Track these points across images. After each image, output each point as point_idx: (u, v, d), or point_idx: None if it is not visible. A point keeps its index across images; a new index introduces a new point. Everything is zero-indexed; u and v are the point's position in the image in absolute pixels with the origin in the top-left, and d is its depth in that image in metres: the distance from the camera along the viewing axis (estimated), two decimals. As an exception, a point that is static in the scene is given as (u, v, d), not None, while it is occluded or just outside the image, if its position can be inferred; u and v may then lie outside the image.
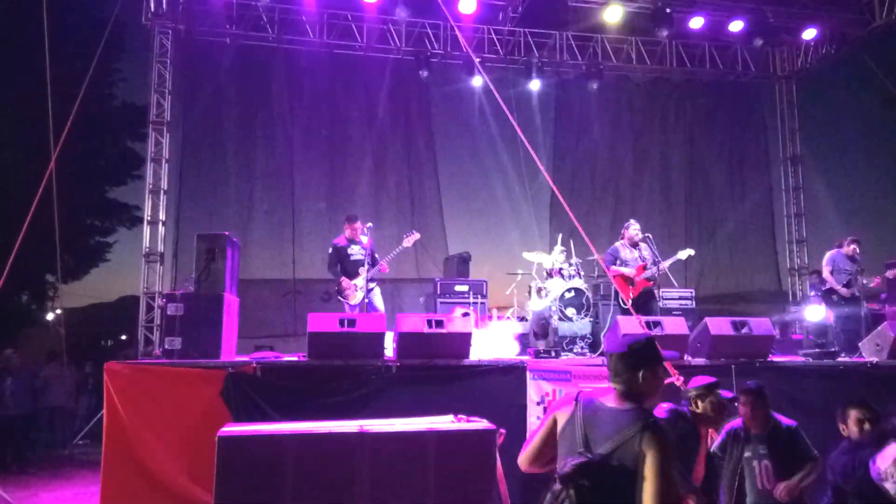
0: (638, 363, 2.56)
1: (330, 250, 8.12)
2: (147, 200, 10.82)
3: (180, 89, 11.20)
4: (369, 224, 8.11)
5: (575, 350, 7.90)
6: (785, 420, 4.55)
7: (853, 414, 4.16)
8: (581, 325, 8.89)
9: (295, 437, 4.17)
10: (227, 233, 6.76)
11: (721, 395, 3.95)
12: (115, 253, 19.99)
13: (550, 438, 2.68)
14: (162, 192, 10.84)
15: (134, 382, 5.66)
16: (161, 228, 10.77)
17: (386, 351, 6.24)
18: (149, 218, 10.79)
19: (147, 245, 10.70)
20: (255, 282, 10.69)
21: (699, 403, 3.89)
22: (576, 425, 2.54)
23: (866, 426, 4.07)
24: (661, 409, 3.79)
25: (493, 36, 12.19)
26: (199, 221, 10.62)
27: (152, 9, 10.83)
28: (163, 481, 5.48)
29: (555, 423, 2.67)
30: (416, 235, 8.17)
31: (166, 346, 6.10)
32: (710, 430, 4.04)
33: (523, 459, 2.80)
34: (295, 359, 6.23)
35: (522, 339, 8.28)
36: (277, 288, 11.08)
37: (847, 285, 8.60)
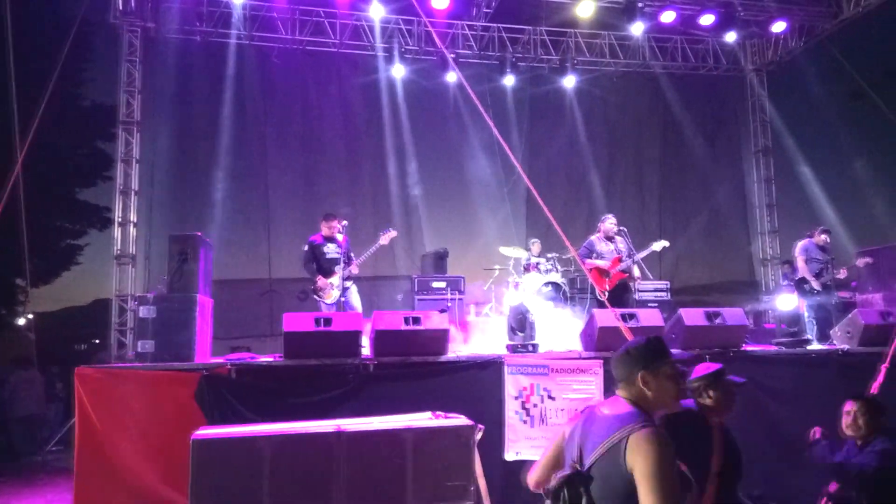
0: (636, 363, 2.39)
1: (305, 248, 8.05)
2: (117, 201, 10.66)
3: (150, 88, 11.04)
4: (344, 222, 8.05)
5: (553, 344, 7.92)
6: None
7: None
8: (558, 318, 8.93)
9: (271, 437, 4.14)
10: (199, 233, 6.66)
11: (730, 381, 3.57)
12: (87, 255, 19.66)
13: (559, 456, 2.54)
14: (133, 192, 10.68)
15: (106, 387, 5.56)
16: (132, 230, 10.62)
17: (363, 349, 6.21)
18: (119, 219, 10.63)
19: (118, 247, 10.54)
20: (229, 282, 10.57)
21: (709, 394, 3.48)
22: (575, 437, 2.42)
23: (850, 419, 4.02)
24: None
25: (467, 31, 12.18)
26: (171, 222, 10.49)
27: (120, 7, 10.65)
28: (137, 486, 5.40)
29: (562, 439, 2.54)
30: (393, 233, 8.13)
31: (139, 350, 6.00)
32: (721, 422, 3.53)
33: (532, 480, 2.64)
34: (270, 359, 6.16)
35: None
36: (253, 288, 10.98)
37: (819, 274, 8.74)
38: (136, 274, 10.52)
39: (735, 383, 3.55)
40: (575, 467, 2.31)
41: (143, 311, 6.04)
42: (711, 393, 3.45)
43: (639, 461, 2.11)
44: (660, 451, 2.12)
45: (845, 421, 3.98)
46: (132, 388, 5.56)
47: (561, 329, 8.50)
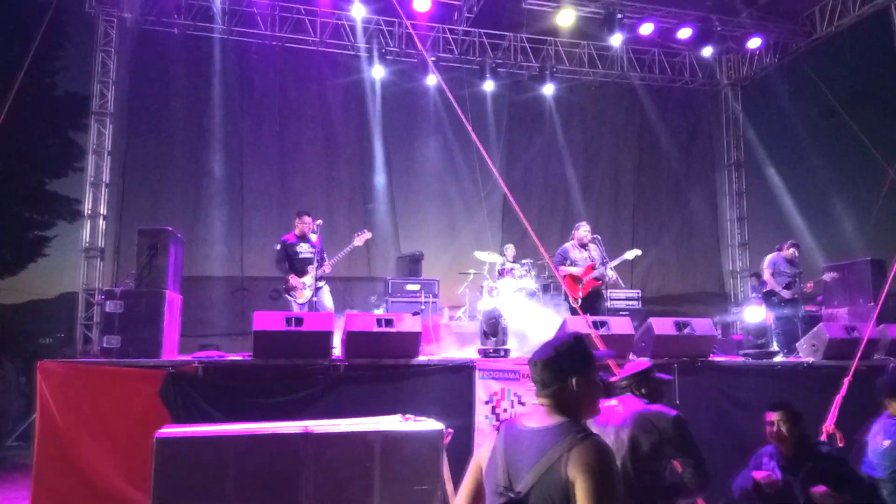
0: (568, 367, 2.09)
1: (278, 247, 7.96)
2: (88, 193, 10.47)
3: (125, 80, 10.86)
4: (319, 221, 7.99)
5: (525, 349, 7.95)
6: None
7: None
8: (531, 324, 8.97)
9: (236, 438, 4.08)
10: (170, 228, 6.57)
11: (658, 379, 3.61)
12: (55, 247, 19.22)
13: (477, 487, 2.22)
14: (104, 185, 10.49)
15: (69, 382, 5.45)
16: (102, 223, 10.43)
17: (334, 350, 6.17)
18: (89, 212, 10.43)
19: (87, 240, 10.35)
20: (201, 279, 10.44)
21: (641, 391, 3.51)
22: (497, 460, 2.09)
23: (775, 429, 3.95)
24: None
25: (448, 35, 12.20)
26: (142, 216, 10.31)
27: (96, -5, 10.48)
28: (98, 484, 5.29)
29: (478, 467, 2.22)
30: (368, 234, 8.10)
31: (105, 345, 5.90)
32: None
33: None
34: (239, 358, 6.09)
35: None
36: (224, 286, 10.84)
37: (787, 287, 8.90)
38: (104, 268, 10.34)
39: (663, 381, 3.63)
40: (507, 495, 2.00)
41: (110, 306, 5.94)
42: (642, 390, 3.52)
43: (582, 476, 1.86)
44: (605, 463, 1.90)
45: (769, 430, 3.96)
46: (96, 384, 5.46)
47: (533, 335, 8.55)
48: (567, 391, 2.08)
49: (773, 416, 3.93)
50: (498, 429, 2.21)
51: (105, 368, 5.58)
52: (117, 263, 10.34)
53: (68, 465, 5.28)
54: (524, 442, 2.04)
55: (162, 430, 4.09)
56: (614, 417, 3.36)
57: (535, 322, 8.96)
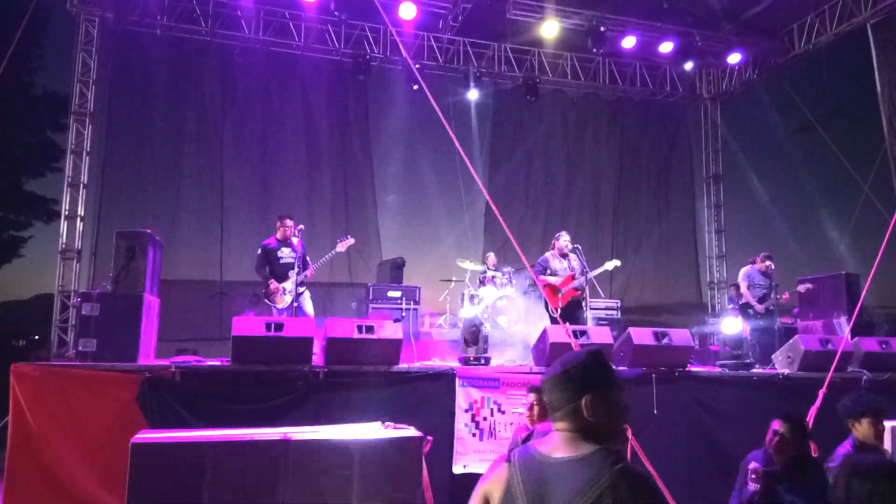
0: (580, 387, 1.86)
1: (259, 251, 7.89)
2: (66, 194, 10.32)
3: (106, 80, 10.73)
4: (301, 227, 7.95)
5: (505, 357, 7.97)
6: None
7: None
8: (512, 332, 8.99)
9: (214, 444, 4.05)
10: (149, 230, 6.50)
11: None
12: (31, 248, 18.94)
13: None
14: (82, 185, 10.35)
15: (43, 385, 5.37)
16: (80, 224, 10.28)
17: (314, 356, 6.14)
18: (67, 213, 10.28)
19: (64, 241, 10.19)
20: (179, 283, 10.32)
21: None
22: (515, 495, 1.82)
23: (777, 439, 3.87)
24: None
25: (433, 43, 12.23)
26: (120, 218, 10.17)
27: (78, -6, 10.37)
28: (72, 489, 5.21)
29: (486, 500, 1.92)
30: (350, 241, 8.05)
31: (80, 348, 5.81)
32: None
33: None
34: (217, 363, 6.04)
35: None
36: (203, 290, 10.72)
37: (762, 300, 9.02)
38: (80, 270, 10.18)
39: None
40: None
41: (86, 309, 5.85)
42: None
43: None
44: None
45: (772, 440, 3.88)
46: (71, 388, 5.38)
47: (514, 343, 8.58)
48: (579, 413, 1.84)
49: (781, 427, 3.85)
50: (508, 459, 1.92)
51: (80, 372, 5.50)
52: (94, 265, 10.19)
53: (42, 470, 5.20)
54: (551, 475, 1.78)
55: (138, 436, 4.05)
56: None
57: (516, 331, 9.01)
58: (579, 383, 1.87)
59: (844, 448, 4.04)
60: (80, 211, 10.30)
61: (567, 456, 1.79)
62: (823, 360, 6.70)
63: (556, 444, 1.84)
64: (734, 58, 12.57)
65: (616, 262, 8.66)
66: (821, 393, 5.25)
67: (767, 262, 9.16)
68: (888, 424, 4.25)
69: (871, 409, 4.01)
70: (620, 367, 6.73)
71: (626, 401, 1.92)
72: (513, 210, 12.89)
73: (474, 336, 7.45)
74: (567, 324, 7.12)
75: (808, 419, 4.97)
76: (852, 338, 7.39)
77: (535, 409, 4.21)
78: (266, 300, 7.70)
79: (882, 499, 2.28)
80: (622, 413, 1.89)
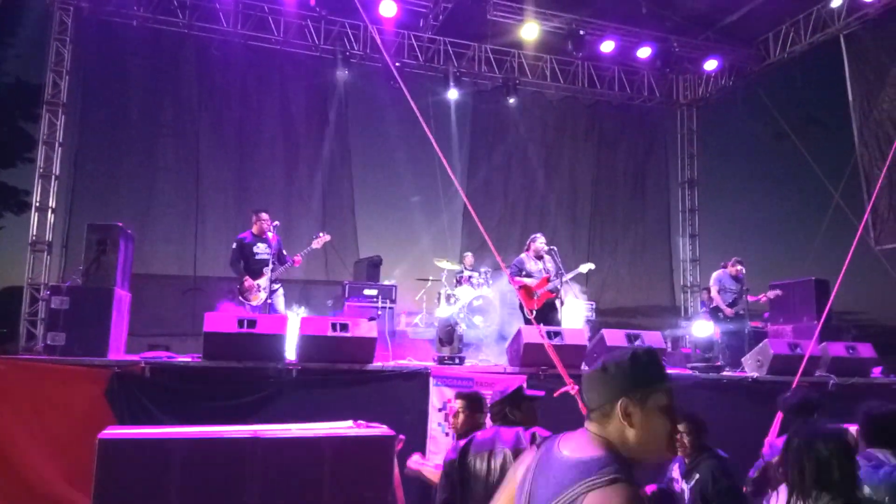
0: (619, 386, 1.65)
1: (234, 245, 7.76)
2: (37, 185, 10.12)
3: (79, 70, 10.54)
4: (276, 222, 7.88)
5: (480, 357, 7.99)
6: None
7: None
8: (487, 332, 9.03)
9: (183, 441, 4.00)
10: (120, 224, 6.41)
11: (531, 396, 3.52)
12: (1, 240, 18.57)
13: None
14: (54, 177, 10.16)
15: (9, 379, 5.28)
16: (51, 216, 10.10)
17: (287, 354, 6.10)
18: (38, 204, 10.09)
19: (34, 233, 9.99)
20: (152, 277, 10.18)
21: (515, 415, 3.41)
22: (525, 484, 1.73)
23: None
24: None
25: (413, 42, 12.21)
26: (93, 211, 9.99)
27: (53, -17, 10.18)
28: (38, 486, 5.14)
29: (512, 486, 1.85)
30: (326, 237, 7.98)
31: (49, 342, 5.73)
32: None
33: None
34: (188, 359, 5.97)
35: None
36: (176, 285, 10.59)
37: (732, 304, 9.15)
38: (51, 262, 10.00)
39: (536, 398, 3.55)
40: None
41: (56, 302, 5.78)
42: (517, 413, 3.42)
43: None
44: None
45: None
46: (38, 382, 5.30)
47: (489, 343, 8.61)
48: (613, 417, 1.64)
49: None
50: (539, 445, 1.81)
51: (48, 366, 5.43)
52: (65, 258, 10.02)
53: (5, 464, 5.11)
54: (552, 472, 1.65)
55: (105, 431, 3.99)
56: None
57: (491, 331, 9.04)
58: (617, 383, 1.66)
59: (781, 440, 4.18)
60: (52, 203, 10.12)
61: (573, 456, 1.63)
62: (792, 364, 6.83)
63: (576, 442, 1.68)
64: (711, 64, 12.73)
65: (590, 265, 8.73)
66: (788, 396, 5.33)
67: (738, 267, 9.29)
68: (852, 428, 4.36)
69: (815, 405, 4.18)
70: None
71: (675, 412, 1.69)
72: (491, 210, 12.93)
73: (449, 336, 7.45)
74: (541, 325, 7.15)
75: (776, 421, 5.07)
76: (820, 343, 7.53)
77: (460, 416, 3.84)
78: (240, 297, 7.58)
79: (839, 461, 2.53)
80: (667, 426, 1.65)
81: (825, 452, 2.56)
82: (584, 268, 8.61)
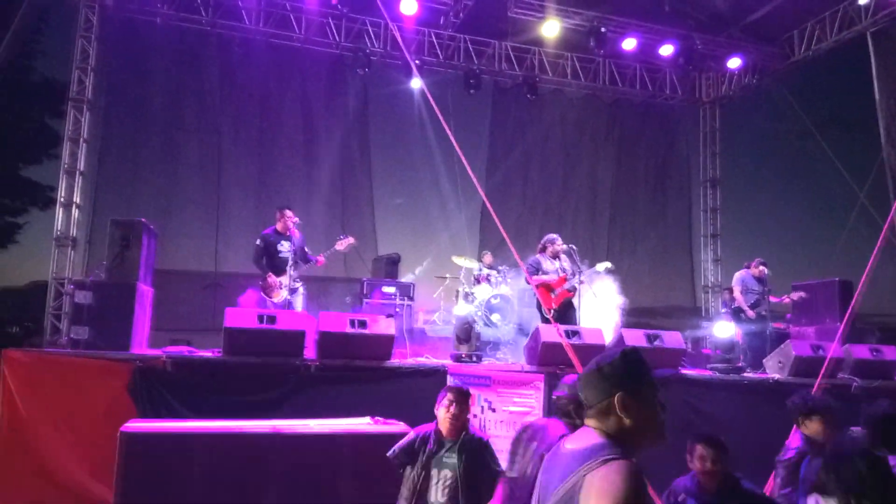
0: (613, 383, 1.84)
1: (258, 242, 7.74)
2: (62, 181, 10.28)
3: (104, 67, 10.69)
4: (297, 220, 7.91)
5: (498, 356, 7.99)
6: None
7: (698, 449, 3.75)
8: (505, 331, 9.02)
9: (204, 435, 4.06)
10: (143, 219, 6.49)
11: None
12: (26, 235, 18.89)
13: None
14: (78, 173, 10.31)
15: (34, 372, 5.38)
16: (75, 212, 10.24)
17: (307, 350, 6.14)
18: (63, 200, 10.25)
19: (59, 228, 10.15)
20: (174, 272, 10.28)
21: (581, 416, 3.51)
22: (538, 487, 1.90)
23: (708, 465, 3.69)
24: None
25: (434, 39, 12.20)
26: (116, 206, 10.14)
27: (79, -19, 10.32)
28: (62, 478, 5.23)
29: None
30: (350, 240, 7.90)
31: (73, 336, 5.83)
32: None
33: None
34: (209, 355, 6.04)
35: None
36: (198, 280, 10.71)
37: (755, 305, 9.04)
38: (75, 257, 10.15)
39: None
40: None
41: (80, 297, 5.87)
42: (581, 415, 3.36)
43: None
44: (624, 490, 1.59)
45: (699, 466, 3.70)
46: (63, 376, 5.39)
47: (506, 342, 8.60)
48: (611, 411, 1.82)
49: (705, 451, 3.68)
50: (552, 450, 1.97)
51: (72, 360, 5.52)
52: (89, 253, 10.16)
53: (30, 456, 5.21)
54: (558, 465, 1.82)
55: (128, 425, 4.05)
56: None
57: (509, 329, 9.03)
58: (611, 381, 1.85)
59: (795, 442, 4.12)
60: (76, 198, 10.27)
61: (575, 448, 1.80)
62: (815, 366, 6.74)
63: (578, 438, 1.86)
64: (734, 62, 12.58)
65: (607, 264, 8.59)
66: (810, 399, 5.26)
67: (762, 268, 9.18)
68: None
69: (822, 409, 4.07)
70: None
71: (661, 400, 1.89)
72: (509, 208, 12.90)
73: (467, 334, 7.44)
74: (559, 324, 7.12)
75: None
76: (843, 345, 7.42)
77: (455, 408, 3.91)
78: (262, 293, 7.62)
79: (868, 482, 2.43)
80: (657, 413, 1.86)
81: (867, 469, 2.49)
82: (601, 267, 8.51)
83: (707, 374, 7.52)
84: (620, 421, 1.81)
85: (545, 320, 7.62)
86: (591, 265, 8.53)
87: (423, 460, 3.74)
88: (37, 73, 17.63)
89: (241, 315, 5.88)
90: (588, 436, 1.83)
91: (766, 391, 7.11)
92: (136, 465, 3.86)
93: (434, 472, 3.72)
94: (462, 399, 3.92)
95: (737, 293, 9.19)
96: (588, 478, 1.65)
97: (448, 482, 3.69)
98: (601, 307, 8.76)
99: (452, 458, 3.71)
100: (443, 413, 3.89)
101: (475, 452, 3.78)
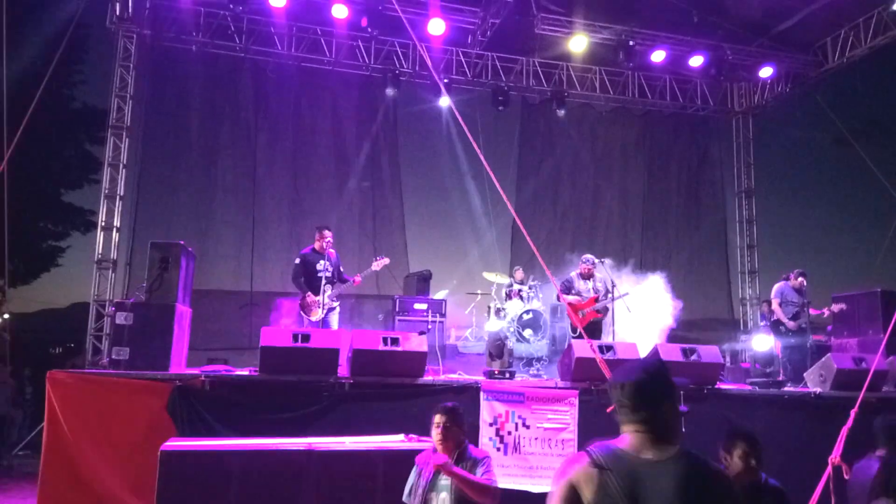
0: (661, 393, 2.08)
1: (297, 261, 7.89)
2: (102, 205, 10.60)
3: (142, 95, 11.03)
4: (331, 240, 8.03)
5: (531, 372, 7.95)
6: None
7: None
8: (538, 346, 8.98)
9: (241, 453, 4.12)
10: (181, 242, 6.64)
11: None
12: (68, 258, 19.46)
13: None
14: (118, 197, 10.63)
15: (77, 392, 5.51)
16: (116, 235, 10.55)
17: (341, 368, 6.19)
18: (103, 223, 10.56)
19: (100, 251, 10.46)
20: (211, 293, 10.51)
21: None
22: (612, 494, 1.92)
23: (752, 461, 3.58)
24: None
25: (462, 58, 12.32)
26: (155, 229, 10.40)
27: (117, 12, 10.69)
28: (103, 495, 5.33)
29: (574, 492, 1.98)
30: (386, 260, 8.04)
31: (114, 356, 5.96)
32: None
33: None
34: (246, 373, 6.13)
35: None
36: (234, 300, 10.91)
37: (794, 317, 8.86)
38: (116, 279, 10.43)
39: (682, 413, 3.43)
40: None
41: (120, 318, 6.01)
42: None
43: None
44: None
45: (738, 465, 3.59)
46: (104, 396, 5.51)
47: (539, 358, 8.55)
48: (660, 418, 2.01)
49: (749, 448, 3.59)
50: (590, 456, 2.00)
51: (113, 380, 5.64)
52: (129, 275, 10.42)
53: (74, 474, 5.32)
54: (648, 476, 1.92)
55: (167, 443, 4.14)
56: None
57: (541, 345, 8.98)
58: (662, 390, 2.07)
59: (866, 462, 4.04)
60: (116, 222, 10.57)
61: (657, 457, 1.94)
62: (857, 378, 6.55)
63: (639, 445, 1.99)
64: (766, 71, 12.43)
65: (628, 293, 8.38)
66: (852, 413, 5.13)
67: (801, 279, 9.00)
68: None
69: None
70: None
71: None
72: (540, 223, 12.88)
73: (499, 350, 7.42)
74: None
75: (840, 439, 4.87)
76: (887, 356, 7.22)
77: (445, 428, 3.83)
78: (301, 311, 7.74)
79: None
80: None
81: None
82: (624, 295, 8.27)
83: (746, 388, 7.37)
84: (665, 425, 2.08)
85: (578, 336, 7.59)
86: (623, 279, 8.47)
87: (422, 494, 3.71)
88: (77, 101, 18.23)
89: (277, 334, 5.97)
90: (654, 443, 2.02)
91: (808, 405, 6.94)
92: (176, 482, 3.93)
93: (432, 495, 3.70)
94: (446, 419, 3.82)
95: (775, 305, 9.02)
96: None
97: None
98: (649, 319, 8.67)
99: (447, 480, 3.67)
100: (434, 436, 3.85)
101: (468, 471, 3.71)
